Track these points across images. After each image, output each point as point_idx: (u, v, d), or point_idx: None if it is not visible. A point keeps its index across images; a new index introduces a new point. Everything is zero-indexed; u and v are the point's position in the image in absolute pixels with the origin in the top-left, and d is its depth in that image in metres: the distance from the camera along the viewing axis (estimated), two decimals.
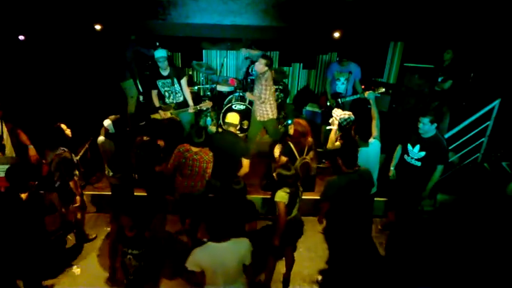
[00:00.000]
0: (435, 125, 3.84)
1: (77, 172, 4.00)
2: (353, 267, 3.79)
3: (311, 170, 4.35)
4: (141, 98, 6.31)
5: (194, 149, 3.91)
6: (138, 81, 6.17)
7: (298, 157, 4.12)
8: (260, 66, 4.91)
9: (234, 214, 3.30)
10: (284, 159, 4.15)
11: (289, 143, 4.16)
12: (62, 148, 3.84)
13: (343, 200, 3.44)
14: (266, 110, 5.10)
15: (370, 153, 3.88)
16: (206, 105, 5.24)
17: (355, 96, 5.46)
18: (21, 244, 3.28)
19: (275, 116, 5.27)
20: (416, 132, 3.96)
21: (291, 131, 4.17)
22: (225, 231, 2.75)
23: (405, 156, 4.13)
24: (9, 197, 3.22)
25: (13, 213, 3.20)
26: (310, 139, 4.22)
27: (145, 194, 4.65)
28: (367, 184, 3.58)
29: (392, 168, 4.35)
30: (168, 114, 5.13)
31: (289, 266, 3.91)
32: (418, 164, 4.00)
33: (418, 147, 3.97)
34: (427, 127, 3.83)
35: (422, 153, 3.94)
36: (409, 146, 4.06)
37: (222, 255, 2.73)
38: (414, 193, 4.19)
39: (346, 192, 3.41)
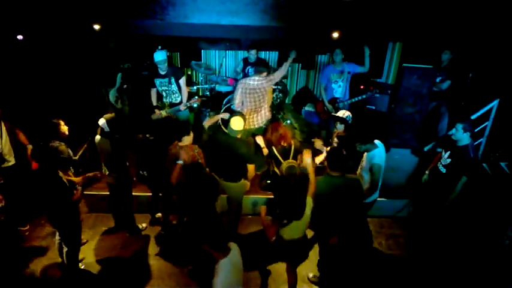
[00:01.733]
0: (468, 134, 3.77)
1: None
2: (345, 266, 3.76)
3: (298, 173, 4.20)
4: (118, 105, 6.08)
5: (180, 145, 3.92)
6: (114, 90, 5.97)
7: (282, 161, 4.07)
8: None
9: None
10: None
11: (272, 147, 4.10)
12: (57, 141, 3.88)
13: (322, 201, 3.30)
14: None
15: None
16: (195, 101, 5.27)
17: (353, 100, 5.45)
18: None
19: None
20: (451, 138, 3.93)
21: (272, 137, 4.07)
22: (222, 239, 2.65)
23: (439, 163, 4.12)
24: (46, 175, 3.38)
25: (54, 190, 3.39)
26: (293, 141, 4.14)
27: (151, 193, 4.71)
28: (353, 192, 3.41)
29: (427, 172, 4.34)
30: (163, 114, 5.13)
31: (290, 286, 3.66)
32: (444, 170, 3.98)
33: (448, 153, 3.96)
34: (458, 134, 3.78)
35: (449, 160, 3.92)
36: (443, 152, 4.06)
37: (237, 267, 2.68)
38: (436, 200, 4.11)
39: (327, 195, 3.29)
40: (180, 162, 3.79)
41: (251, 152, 4.05)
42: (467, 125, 3.76)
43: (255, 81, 4.68)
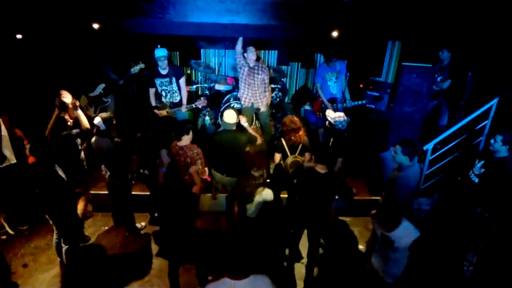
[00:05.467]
0: (507, 147, 3.63)
1: None
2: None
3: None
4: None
5: (180, 145, 3.91)
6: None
7: (289, 154, 4.14)
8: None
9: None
10: (277, 155, 4.21)
11: (282, 139, 4.20)
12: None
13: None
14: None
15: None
16: (201, 103, 5.24)
17: (354, 103, 5.46)
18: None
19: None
20: (487, 148, 3.81)
21: (283, 127, 4.19)
22: (244, 265, 2.28)
23: (470, 171, 4.00)
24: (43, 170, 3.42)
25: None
26: (303, 137, 4.19)
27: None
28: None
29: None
30: (164, 113, 5.13)
31: None
32: (476, 180, 3.87)
33: (482, 162, 3.85)
34: (497, 146, 3.65)
35: (483, 170, 3.81)
36: (476, 161, 3.95)
37: None
38: (468, 211, 3.92)
39: None
40: (163, 170, 3.74)
41: (250, 138, 4.19)
42: (507, 137, 3.62)
43: None
